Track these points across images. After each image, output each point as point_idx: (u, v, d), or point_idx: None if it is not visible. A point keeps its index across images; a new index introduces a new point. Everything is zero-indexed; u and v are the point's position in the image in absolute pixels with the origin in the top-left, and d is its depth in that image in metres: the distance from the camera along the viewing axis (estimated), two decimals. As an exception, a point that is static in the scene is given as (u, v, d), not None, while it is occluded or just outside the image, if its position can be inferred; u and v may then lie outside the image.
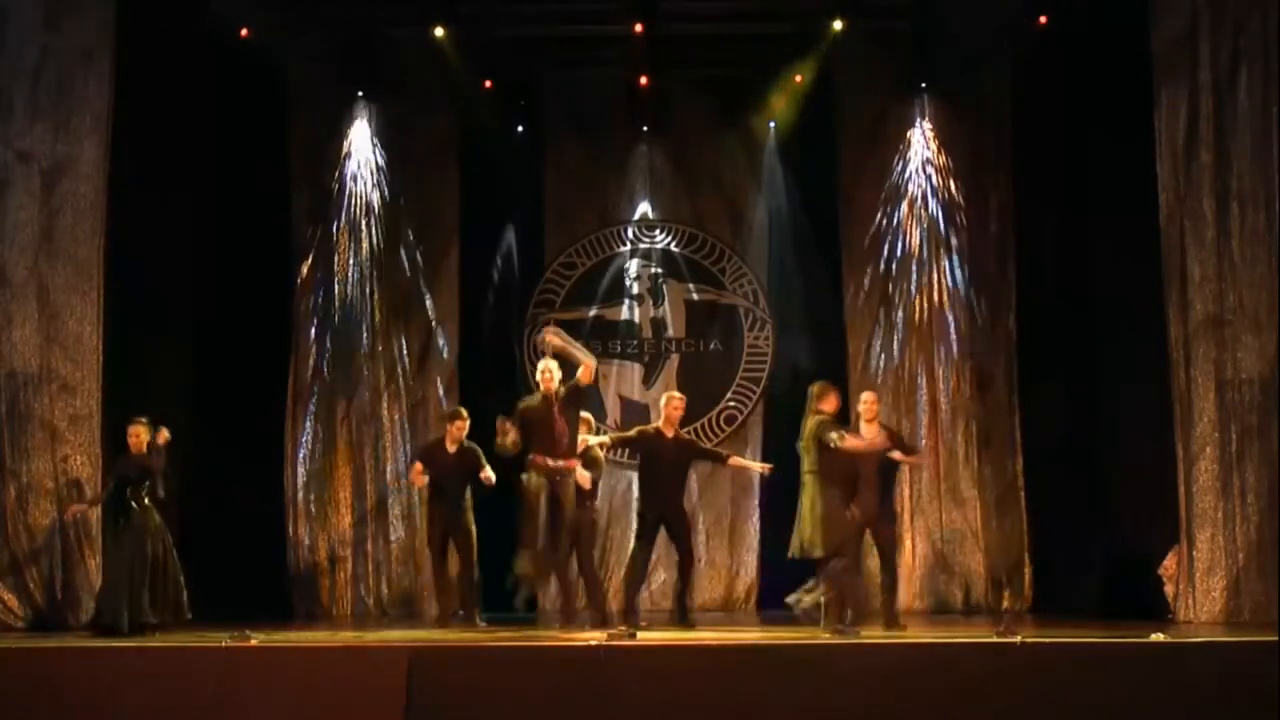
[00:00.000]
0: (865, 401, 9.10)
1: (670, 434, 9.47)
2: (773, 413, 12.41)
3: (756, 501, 12.15)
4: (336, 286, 11.82)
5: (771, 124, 12.62)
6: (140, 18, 9.49)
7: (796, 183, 12.48)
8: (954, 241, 11.82)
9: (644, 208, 12.75)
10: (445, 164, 12.05)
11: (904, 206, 11.90)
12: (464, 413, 9.66)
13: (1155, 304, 9.30)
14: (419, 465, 9.63)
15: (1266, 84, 8.91)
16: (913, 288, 11.81)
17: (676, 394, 9.89)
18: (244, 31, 10.88)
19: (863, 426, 8.92)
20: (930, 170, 11.88)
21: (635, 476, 12.33)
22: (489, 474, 9.24)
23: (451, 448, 9.48)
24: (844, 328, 11.89)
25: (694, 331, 12.67)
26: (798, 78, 11.96)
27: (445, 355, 11.96)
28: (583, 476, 8.84)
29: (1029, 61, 11.32)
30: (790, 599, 8.61)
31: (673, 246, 12.73)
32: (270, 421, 11.47)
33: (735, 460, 10.16)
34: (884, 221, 11.92)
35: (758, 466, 10.40)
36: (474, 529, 9.44)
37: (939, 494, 11.42)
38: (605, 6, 11.41)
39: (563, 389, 8.63)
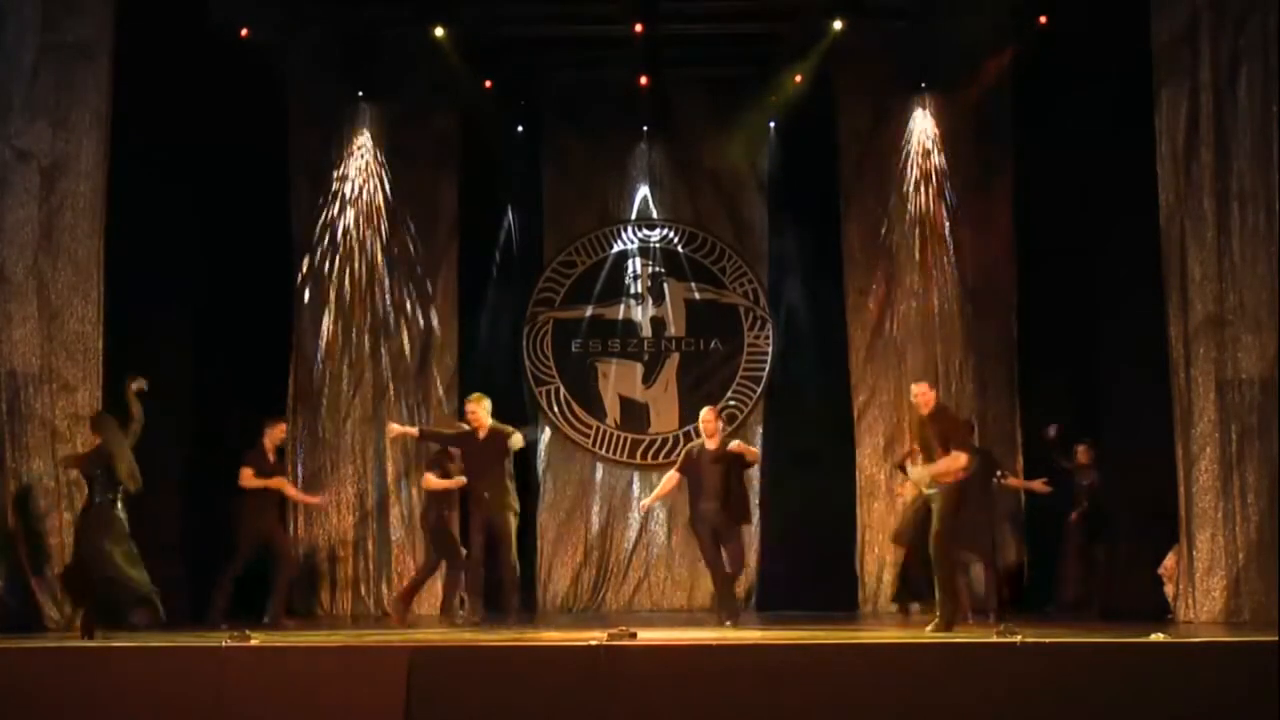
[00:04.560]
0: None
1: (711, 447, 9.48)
2: (773, 411, 12.44)
3: (757, 501, 12.15)
4: (336, 286, 11.82)
5: (771, 124, 12.64)
6: (139, 16, 9.47)
7: (796, 182, 12.49)
8: (954, 240, 11.81)
9: (644, 207, 12.77)
10: (445, 163, 12.05)
11: (904, 206, 11.89)
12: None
13: (1155, 304, 9.30)
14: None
15: (1266, 83, 8.89)
16: (913, 286, 11.81)
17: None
18: (244, 31, 10.88)
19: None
20: (930, 170, 11.87)
21: (636, 475, 12.41)
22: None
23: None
24: (845, 326, 11.89)
25: (694, 330, 12.68)
26: (798, 78, 11.97)
27: (445, 354, 11.96)
28: None
29: (1029, 61, 11.32)
30: None
31: (673, 245, 12.74)
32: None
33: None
34: (884, 220, 11.91)
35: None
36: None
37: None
38: (605, 7, 11.41)
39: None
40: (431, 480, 9.87)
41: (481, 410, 9.63)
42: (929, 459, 8.39)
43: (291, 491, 10.56)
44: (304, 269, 11.82)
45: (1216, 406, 8.94)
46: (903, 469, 10.64)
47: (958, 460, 8.21)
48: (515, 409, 12.42)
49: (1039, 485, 10.71)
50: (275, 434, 10.25)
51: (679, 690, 6.24)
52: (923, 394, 8.56)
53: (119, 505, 8.71)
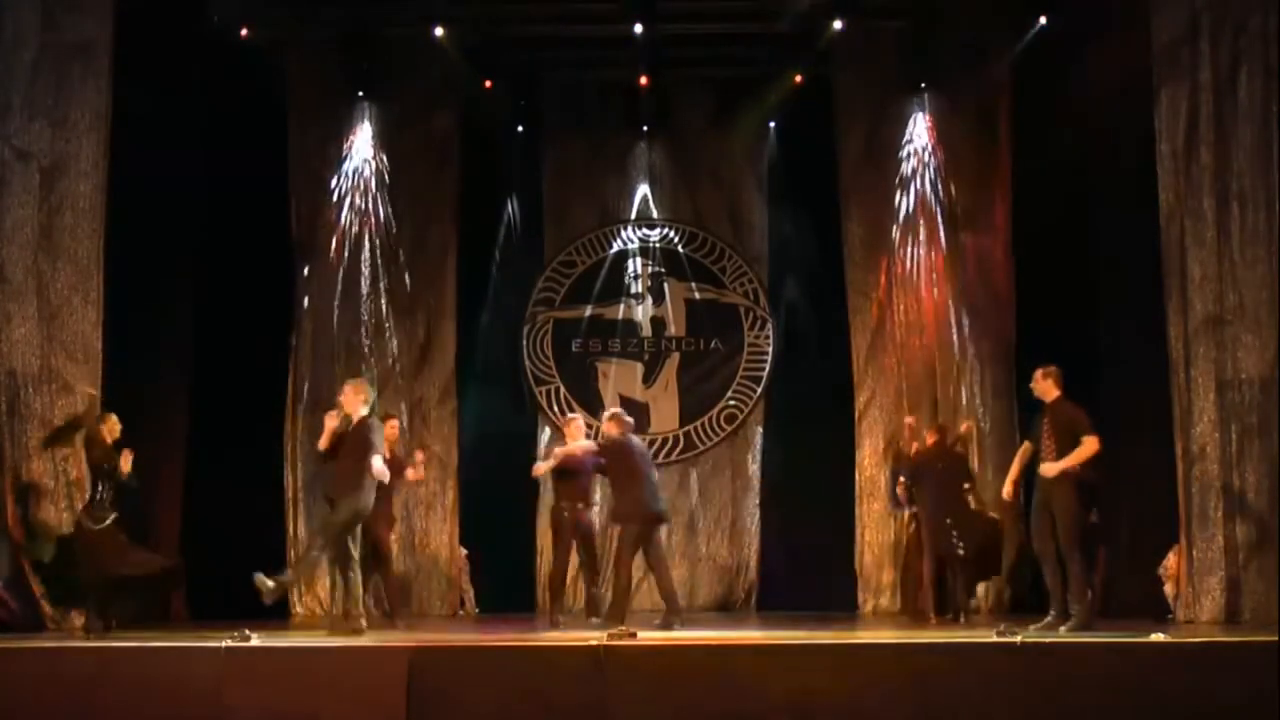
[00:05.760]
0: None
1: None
2: (773, 411, 12.43)
3: (757, 501, 12.16)
4: (336, 286, 11.81)
5: (771, 124, 12.64)
6: (139, 15, 9.46)
7: (796, 182, 12.49)
8: (954, 240, 11.81)
9: (644, 206, 12.77)
10: (445, 164, 12.04)
11: (904, 205, 11.89)
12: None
13: (1155, 304, 9.29)
14: None
15: (1266, 84, 8.89)
16: (913, 286, 11.80)
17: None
18: (244, 31, 10.88)
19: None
20: (930, 169, 11.87)
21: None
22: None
23: None
24: (845, 326, 11.89)
25: (694, 330, 12.68)
26: (798, 78, 11.98)
27: (445, 354, 11.94)
28: None
29: (1029, 61, 11.32)
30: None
31: (673, 245, 12.74)
32: (270, 421, 11.46)
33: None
34: (884, 220, 11.91)
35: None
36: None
37: (940, 493, 11.38)
38: (605, 6, 11.42)
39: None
40: (540, 467, 9.97)
41: (358, 399, 8.01)
42: (1052, 447, 8.16)
43: (409, 475, 10.01)
44: (303, 268, 11.81)
45: (1216, 406, 8.94)
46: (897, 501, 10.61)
47: (1090, 447, 8.04)
48: (515, 409, 12.45)
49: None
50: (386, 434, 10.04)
51: (679, 690, 6.24)
52: (1051, 378, 8.37)
53: (114, 502, 8.68)
